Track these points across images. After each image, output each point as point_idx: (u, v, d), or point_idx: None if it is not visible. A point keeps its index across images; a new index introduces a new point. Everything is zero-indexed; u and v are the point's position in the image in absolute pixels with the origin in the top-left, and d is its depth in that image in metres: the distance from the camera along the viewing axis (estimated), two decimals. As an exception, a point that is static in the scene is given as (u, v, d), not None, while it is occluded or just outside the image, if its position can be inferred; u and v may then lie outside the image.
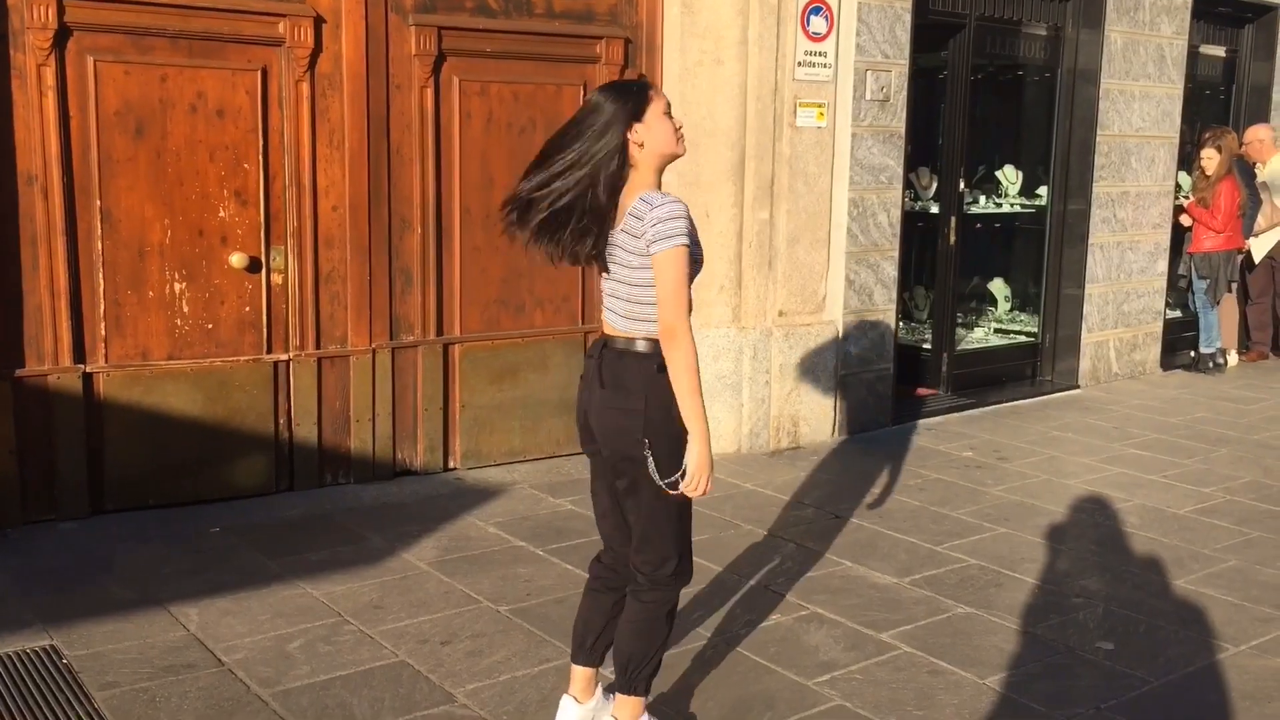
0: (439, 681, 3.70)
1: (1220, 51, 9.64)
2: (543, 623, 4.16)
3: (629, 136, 3.00)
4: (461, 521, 5.24)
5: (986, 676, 3.83)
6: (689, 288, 2.99)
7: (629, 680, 3.21)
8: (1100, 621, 4.30)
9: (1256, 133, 9.08)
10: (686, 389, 2.98)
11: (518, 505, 5.50)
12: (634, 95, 3.05)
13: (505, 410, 6.07)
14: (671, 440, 3.04)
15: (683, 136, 3.13)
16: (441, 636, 4.03)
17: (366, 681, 3.69)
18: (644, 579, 3.17)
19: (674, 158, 3.12)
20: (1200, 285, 8.85)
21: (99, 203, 5.00)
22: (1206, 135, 8.79)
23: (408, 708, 3.53)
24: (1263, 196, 8.84)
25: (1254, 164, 8.99)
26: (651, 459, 3.04)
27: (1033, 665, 3.92)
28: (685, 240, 2.97)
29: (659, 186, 3.11)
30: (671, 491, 3.04)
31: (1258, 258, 9.02)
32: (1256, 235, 8.90)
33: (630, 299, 3.06)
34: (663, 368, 3.03)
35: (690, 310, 3.00)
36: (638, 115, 3.02)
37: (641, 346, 3.07)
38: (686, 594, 4.40)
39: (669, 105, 3.12)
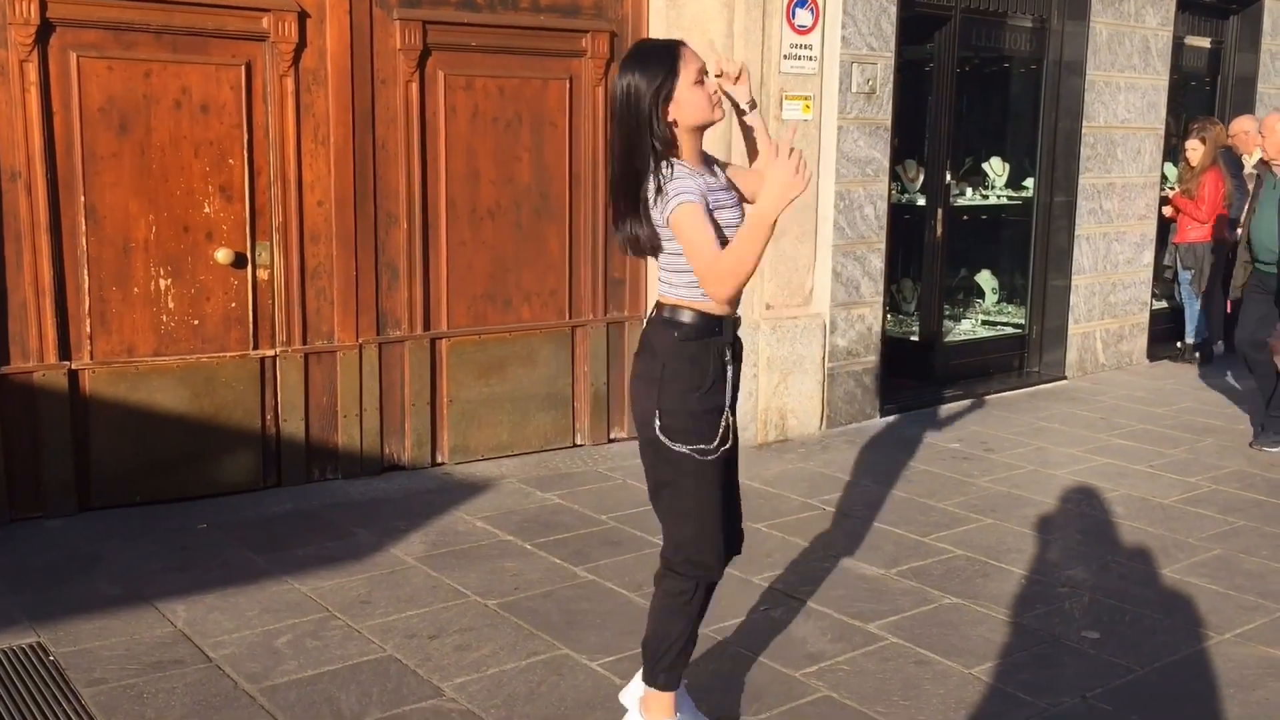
0: (427, 675, 3.70)
1: (1205, 42, 9.67)
2: (530, 617, 4.17)
3: (665, 118, 2.98)
4: (449, 516, 5.25)
5: (973, 666, 3.84)
6: (717, 244, 2.91)
7: (648, 669, 3.20)
8: (1086, 611, 4.32)
9: (1242, 124, 9.09)
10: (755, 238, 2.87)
11: (505, 500, 5.50)
12: (662, 73, 2.97)
13: (493, 405, 6.07)
14: (684, 416, 3.00)
15: (719, 100, 3.06)
16: (429, 631, 4.04)
17: (354, 676, 3.69)
18: (662, 565, 3.18)
19: (710, 124, 3.07)
20: (1185, 276, 8.87)
21: (83, 199, 4.98)
22: (1193, 126, 8.81)
23: (396, 702, 3.53)
24: (1250, 188, 8.84)
25: (1241, 155, 9.01)
26: (659, 430, 3.00)
27: (1019, 655, 3.94)
28: (692, 197, 2.92)
29: (700, 151, 3.10)
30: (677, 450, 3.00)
31: None
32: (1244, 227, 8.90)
33: (661, 265, 3.09)
34: (684, 336, 3.02)
35: (739, 275, 2.88)
36: (668, 96, 2.98)
37: (666, 312, 3.08)
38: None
39: (703, 67, 3.03)
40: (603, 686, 3.64)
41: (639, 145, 2.99)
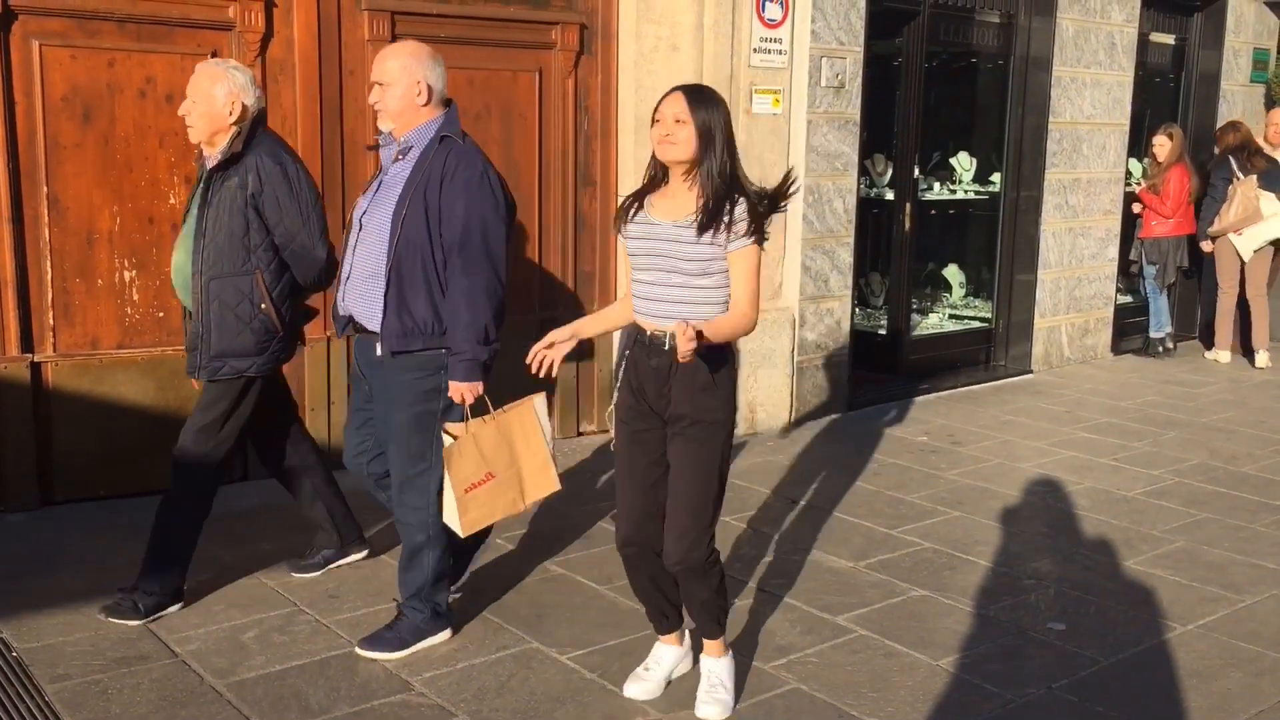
0: (395, 670, 3.69)
1: (1170, 39, 9.75)
2: (500, 610, 4.16)
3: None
4: (418, 510, 5.21)
5: (940, 658, 3.87)
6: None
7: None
8: (1051, 602, 4.36)
9: (1275, 116, 8.99)
10: None
11: (475, 493, 5.47)
12: None
13: (462, 398, 6.03)
14: None
15: (662, 139, 3.25)
16: (398, 625, 4.01)
17: (322, 671, 3.67)
18: None
19: (660, 158, 3.31)
20: (1150, 270, 8.95)
21: (46, 189, 4.92)
22: (1161, 126, 8.87)
23: (364, 696, 3.51)
24: (1236, 189, 8.66)
25: (1276, 148, 8.88)
26: None
27: (985, 646, 3.97)
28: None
29: (683, 185, 3.31)
30: None
31: (1247, 255, 8.68)
32: (1239, 232, 8.61)
33: None
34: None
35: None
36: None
37: None
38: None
39: (672, 106, 3.25)
40: (573, 680, 3.64)
41: None
